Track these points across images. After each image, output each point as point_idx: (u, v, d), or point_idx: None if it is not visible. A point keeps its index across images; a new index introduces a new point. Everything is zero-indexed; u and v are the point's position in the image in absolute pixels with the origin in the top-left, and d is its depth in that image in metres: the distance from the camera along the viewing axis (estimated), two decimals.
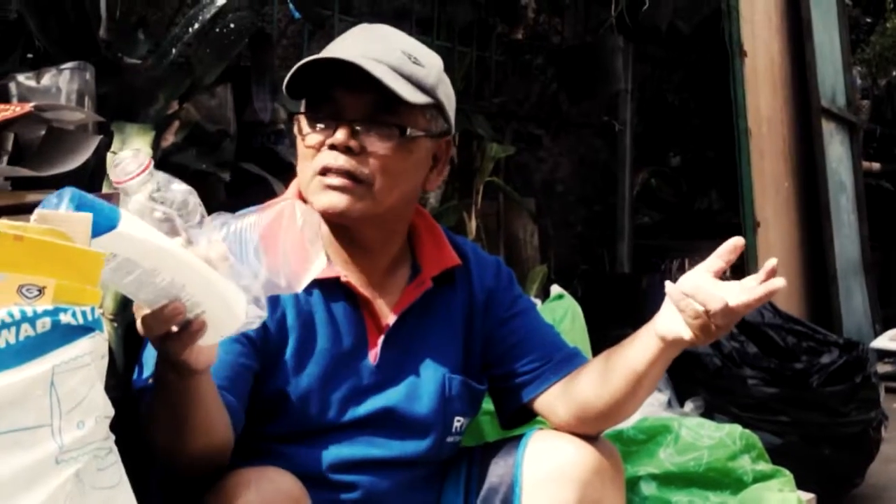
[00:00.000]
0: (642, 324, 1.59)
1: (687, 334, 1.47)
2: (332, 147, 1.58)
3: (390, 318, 1.67)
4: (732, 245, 1.48)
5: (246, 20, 2.52)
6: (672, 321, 1.49)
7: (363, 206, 1.59)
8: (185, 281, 1.16)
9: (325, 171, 1.59)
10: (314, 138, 1.60)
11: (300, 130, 1.63)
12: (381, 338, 1.66)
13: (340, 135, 1.57)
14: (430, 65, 1.65)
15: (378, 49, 1.59)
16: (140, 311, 1.22)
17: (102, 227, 1.08)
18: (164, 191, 1.21)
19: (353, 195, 1.58)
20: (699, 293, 1.43)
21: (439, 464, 1.74)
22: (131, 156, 1.20)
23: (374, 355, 1.65)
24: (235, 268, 1.23)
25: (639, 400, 1.66)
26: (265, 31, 2.68)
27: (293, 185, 1.73)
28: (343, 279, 1.64)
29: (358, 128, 1.58)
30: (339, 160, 1.57)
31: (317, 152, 1.60)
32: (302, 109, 1.66)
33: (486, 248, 3.83)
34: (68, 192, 1.09)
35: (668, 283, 1.49)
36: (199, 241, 1.22)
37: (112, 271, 1.12)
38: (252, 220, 1.27)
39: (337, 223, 1.65)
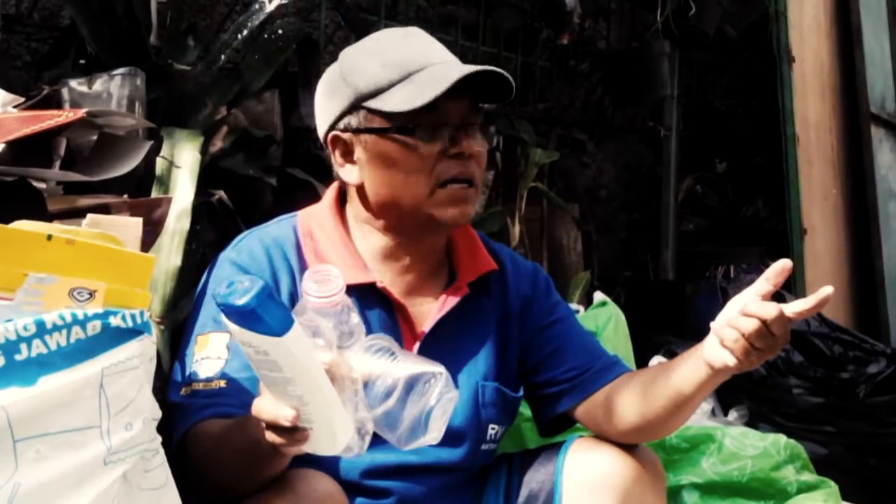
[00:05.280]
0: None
1: (731, 360, 1.46)
2: (456, 156, 1.59)
3: (426, 326, 1.67)
4: (780, 267, 1.47)
5: (293, 26, 2.54)
6: (717, 348, 1.49)
7: (472, 211, 1.64)
8: (311, 400, 1.20)
9: (448, 182, 1.60)
10: (432, 148, 1.59)
11: (408, 145, 1.59)
12: (417, 345, 1.66)
13: (469, 143, 1.59)
14: None
15: (448, 53, 1.62)
16: (265, 390, 1.24)
17: (272, 330, 1.12)
18: (345, 320, 1.26)
19: (472, 202, 1.63)
20: (749, 309, 1.43)
21: (475, 470, 1.74)
22: (334, 279, 1.24)
23: None
24: (360, 399, 1.27)
25: (681, 420, 1.66)
26: (312, 37, 2.69)
27: (330, 192, 1.73)
28: (379, 285, 1.64)
29: (469, 132, 1.61)
30: (470, 167, 1.60)
31: (435, 163, 1.59)
32: (385, 122, 1.60)
33: (529, 254, 3.83)
34: (259, 283, 1.12)
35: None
36: (346, 356, 1.26)
37: (257, 361, 1.17)
38: (403, 365, 1.29)
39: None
